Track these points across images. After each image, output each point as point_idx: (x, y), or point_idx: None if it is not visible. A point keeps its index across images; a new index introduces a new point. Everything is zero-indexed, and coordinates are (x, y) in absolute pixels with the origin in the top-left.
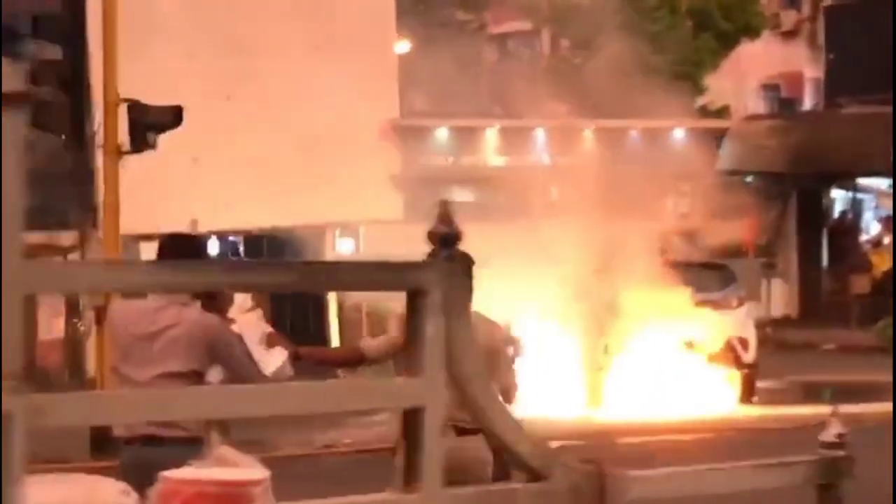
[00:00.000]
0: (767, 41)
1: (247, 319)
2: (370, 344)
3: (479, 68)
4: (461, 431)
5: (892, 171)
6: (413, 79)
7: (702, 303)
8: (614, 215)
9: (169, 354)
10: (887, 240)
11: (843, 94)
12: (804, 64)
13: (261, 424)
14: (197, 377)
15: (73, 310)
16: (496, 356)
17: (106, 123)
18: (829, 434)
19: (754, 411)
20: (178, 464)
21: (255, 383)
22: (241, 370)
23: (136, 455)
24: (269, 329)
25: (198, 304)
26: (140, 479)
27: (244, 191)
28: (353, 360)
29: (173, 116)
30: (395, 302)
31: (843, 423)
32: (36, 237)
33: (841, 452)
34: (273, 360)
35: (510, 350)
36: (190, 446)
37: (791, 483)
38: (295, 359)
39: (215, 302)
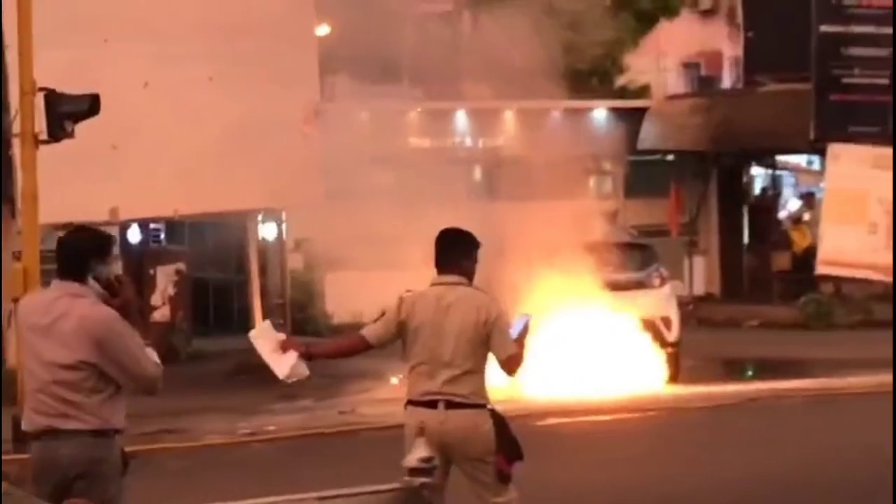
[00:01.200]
0: (687, 20)
1: (261, 330)
2: (372, 329)
3: (400, 50)
4: (451, 405)
5: (811, 148)
6: (334, 62)
7: (625, 282)
8: (536, 196)
9: (58, 346)
10: (807, 216)
11: (762, 72)
12: (723, 42)
13: (182, 413)
14: (89, 368)
15: None
16: (486, 330)
17: (22, 113)
18: (413, 459)
19: (678, 390)
20: (80, 456)
21: (148, 377)
22: (132, 364)
23: (41, 448)
24: (282, 336)
25: (92, 296)
26: (46, 472)
27: (165, 177)
28: (360, 348)
29: (90, 104)
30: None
31: (427, 448)
32: None
33: (425, 479)
34: (286, 362)
35: (508, 322)
36: (94, 438)
37: None
38: (307, 358)
39: (114, 293)
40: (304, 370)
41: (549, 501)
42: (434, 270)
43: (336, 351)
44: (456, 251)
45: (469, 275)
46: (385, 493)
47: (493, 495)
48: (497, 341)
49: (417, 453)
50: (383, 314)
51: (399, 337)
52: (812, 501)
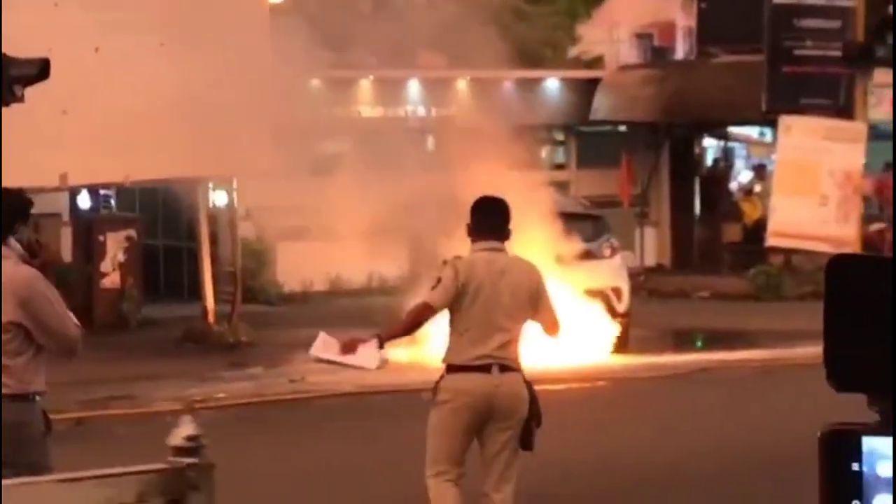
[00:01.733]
0: None
1: (319, 344)
2: (434, 296)
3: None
4: (504, 369)
5: (763, 119)
6: (287, 30)
7: (576, 252)
8: (488, 165)
9: None
10: (758, 188)
11: (715, 43)
12: (676, 13)
13: (131, 380)
14: (14, 329)
15: None
16: (537, 295)
17: None
18: (178, 437)
19: (628, 360)
20: (5, 422)
21: (70, 338)
22: (56, 324)
23: None
24: (335, 341)
25: (13, 257)
26: None
27: (115, 143)
28: (427, 317)
29: (40, 69)
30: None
31: (195, 425)
32: None
33: (192, 459)
34: (369, 354)
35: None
36: (15, 403)
37: (119, 500)
38: (380, 345)
39: (34, 254)
40: (384, 357)
41: None
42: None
43: (406, 329)
44: (499, 218)
45: (508, 241)
46: (151, 474)
47: (507, 468)
48: (545, 306)
49: (183, 431)
50: (438, 280)
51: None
52: (763, 470)
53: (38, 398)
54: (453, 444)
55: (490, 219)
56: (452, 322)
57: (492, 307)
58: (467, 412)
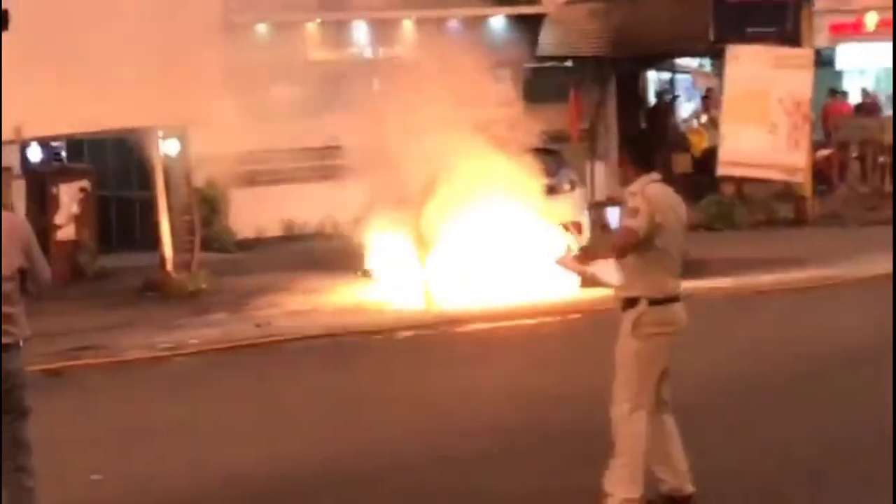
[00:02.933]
0: None
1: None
2: (638, 223)
3: None
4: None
5: (710, 50)
6: None
7: (535, 187)
8: (437, 105)
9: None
10: (704, 118)
11: None
12: None
13: (96, 330)
14: (19, 276)
15: None
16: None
17: None
18: None
19: (594, 293)
20: (18, 368)
21: (48, 280)
22: (42, 265)
23: None
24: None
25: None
26: None
27: (69, 94)
28: (632, 241)
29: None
30: None
31: None
32: None
33: None
34: (608, 270)
35: None
36: (20, 349)
37: None
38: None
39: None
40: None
41: (478, 403)
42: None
43: (621, 248)
44: (657, 150)
45: None
46: None
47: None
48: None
49: None
50: (636, 210)
51: None
52: (734, 395)
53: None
54: (657, 376)
55: (654, 151)
56: (645, 254)
57: (675, 239)
58: (672, 343)
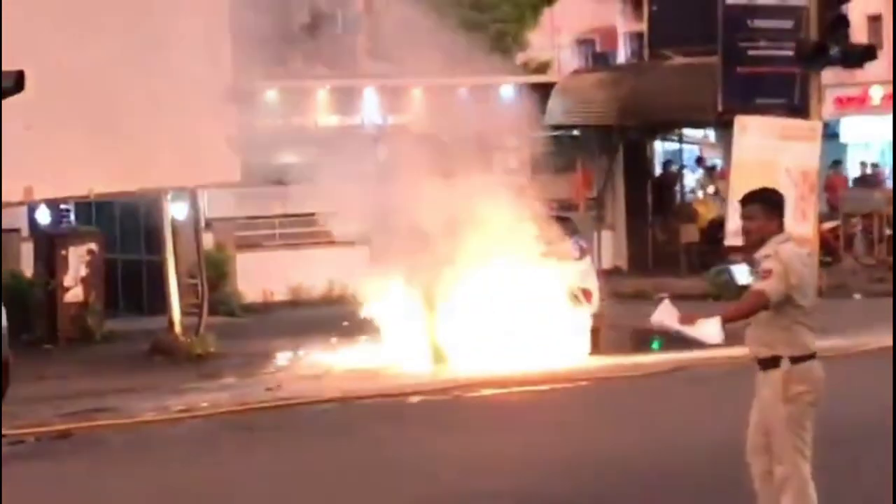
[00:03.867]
0: None
1: (662, 310)
2: (770, 285)
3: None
4: None
5: (717, 120)
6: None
7: (546, 254)
8: (446, 172)
9: None
10: (711, 189)
11: (667, 45)
12: (617, 18)
13: (107, 393)
14: None
15: None
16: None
17: None
18: None
19: (603, 361)
20: None
21: None
22: None
23: None
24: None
25: None
26: None
27: (79, 157)
28: (762, 304)
29: (15, 81)
30: None
31: None
32: None
33: None
34: (712, 328)
35: None
36: None
37: None
38: (725, 322)
39: None
40: (721, 335)
41: (489, 469)
42: None
43: (745, 314)
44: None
45: None
46: None
47: None
48: None
49: None
50: (769, 272)
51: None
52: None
53: None
54: (809, 431)
55: (783, 209)
56: (785, 313)
57: (811, 298)
58: (819, 399)
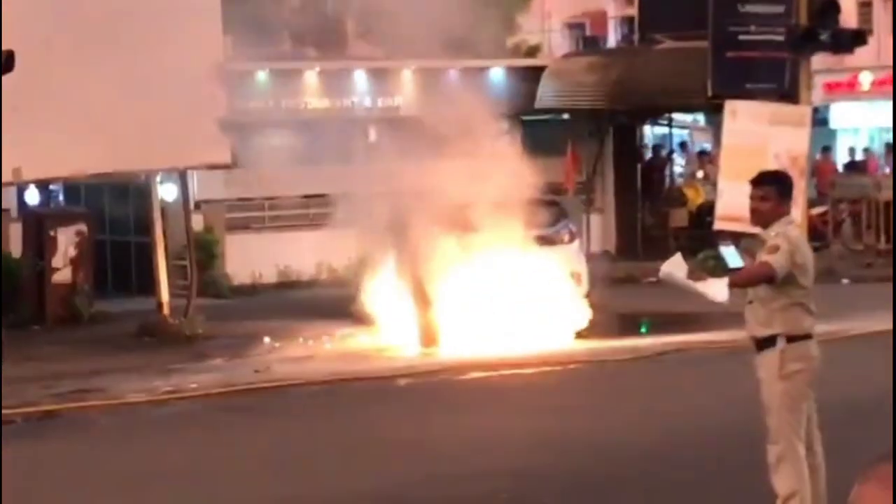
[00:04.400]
0: None
1: (672, 263)
2: (777, 260)
3: (281, 11)
4: None
5: (707, 105)
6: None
7: (536, 238)
8: (435, 155)
9: None
10: (700, 174)
11: (657, 29)
12: (607, 3)
13: (95, 374)
14: None
15: None
16: None
17: None
18: None
19: (592, 344)
20: None
21: None
22: None
23: None
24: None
25: None
26: None
27: (69, 137)
28: (768, 276)
29: (4, 61)
30: None
31: None
32: None
33: None
34: (719, 287)
35: None
36: None
37: None
38: (732, 285)
39: None
40: (726, 296)
41: (480, 448)
42: None
43: (750, 281)
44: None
45: None
46: None
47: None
48: None
49: None
50: (776, 248)
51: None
52: (737, 445)
53: None
54: (805, 412)
55: (792, 192)
56: (786, 292)
57: (810, 278)
58: (815, 379)
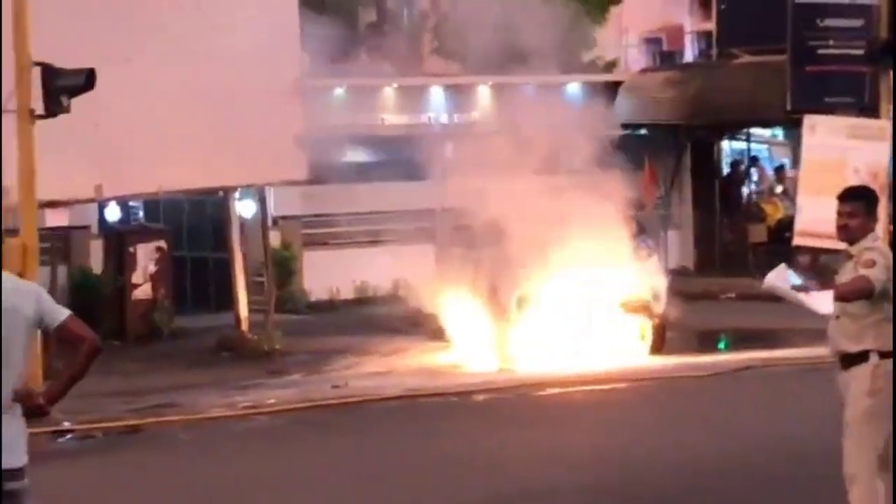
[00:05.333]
0: None
1: (778, 273)
2: (875, 274)
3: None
4: None
5: (786, 119)
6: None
7: (613, 254)
8: (513, 171)
9: None
10: (779, 189)
11: (735, 44)
12: (684, 18)
13: (174, 389)
14: None
15: None
16: None
17: (19, 88)
18: None
19: (667, 360)
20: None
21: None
22: None
23: None
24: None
25: None
26: None
27: (148, 155)
28: (866, 290)
29: (86, 79)
30: None
31: None
32: None
33: None
34: (823, 299)
35: None
36: None
37: None
38: (836, 297)
39: None
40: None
41: (556, 465)
42: None
43: (854, 294)
44: None
45: None
46: None
47: None
48: None
49: None
50: (873, 262)
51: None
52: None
53: None
54: (890, 430)
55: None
56: (879, 306)
57: None
58: None
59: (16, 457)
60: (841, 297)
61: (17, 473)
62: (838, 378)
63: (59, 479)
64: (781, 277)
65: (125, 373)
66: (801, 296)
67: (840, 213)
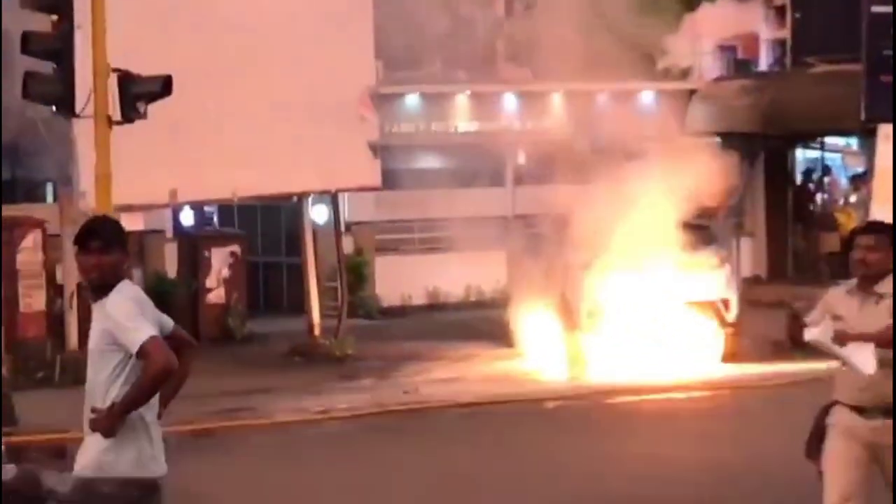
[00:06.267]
0: (722, 3)
1: (822, 331)
2: None
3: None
4: None
5: (861, 129)
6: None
7: (685, 262)
8: (585, 179)
9: None
10: (853, 198)
11: (810, 53)
12: (759, 25)
13: (247, 393)
14: None
15: (52, 283)
16: None
17: (96, 94)
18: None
19: (742, 369)
20: None
21: None
22: None
23: None
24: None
25: None
26: None
27: (223, 160)
28: None
29: (163, 85)
30: None
31: None
32: (10, 209)
33: None
34: (867, 358)
35: None
36: None
37: None
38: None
39: None
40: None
41: (630, 473)
42: None
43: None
44: None
45: None
46: None
47: None
48: None
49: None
50: None
51: None
52: None
53: None
54: None
55: None
56: None
57: None
58: None
59: (161, 466)
60: (882, 346)
61: (162, 482)
62: (860, 426)
63: None
64: (825, 333)
65: (198, 376)
66: (843, 350)
67: (858, 246)
